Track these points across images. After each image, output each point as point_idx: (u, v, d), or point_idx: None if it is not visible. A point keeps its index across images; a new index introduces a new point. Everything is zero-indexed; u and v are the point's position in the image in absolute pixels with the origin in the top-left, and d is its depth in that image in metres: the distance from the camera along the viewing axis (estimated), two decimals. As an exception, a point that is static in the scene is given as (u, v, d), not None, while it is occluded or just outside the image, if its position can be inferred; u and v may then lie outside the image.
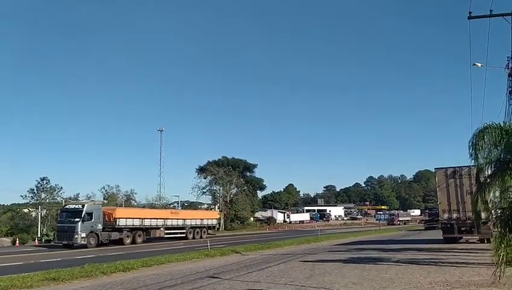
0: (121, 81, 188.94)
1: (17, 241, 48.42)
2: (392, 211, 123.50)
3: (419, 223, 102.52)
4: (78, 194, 71.85)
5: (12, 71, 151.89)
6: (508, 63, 17.30)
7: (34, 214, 64.30)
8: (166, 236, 41.00)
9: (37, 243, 48.22)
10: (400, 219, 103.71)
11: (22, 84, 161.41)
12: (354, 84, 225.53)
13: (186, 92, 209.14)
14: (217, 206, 77.75)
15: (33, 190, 64.83)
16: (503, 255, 9.23)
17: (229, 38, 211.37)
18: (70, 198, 68.99)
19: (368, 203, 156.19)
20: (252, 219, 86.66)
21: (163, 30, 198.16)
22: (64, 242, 33.45)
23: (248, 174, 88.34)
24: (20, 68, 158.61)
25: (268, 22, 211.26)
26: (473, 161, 12.75)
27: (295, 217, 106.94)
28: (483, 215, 21.30)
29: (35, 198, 64.76)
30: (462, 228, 24.81)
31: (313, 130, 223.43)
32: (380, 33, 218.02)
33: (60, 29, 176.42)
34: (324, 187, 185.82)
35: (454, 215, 24.60)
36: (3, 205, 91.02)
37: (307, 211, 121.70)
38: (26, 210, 66.82)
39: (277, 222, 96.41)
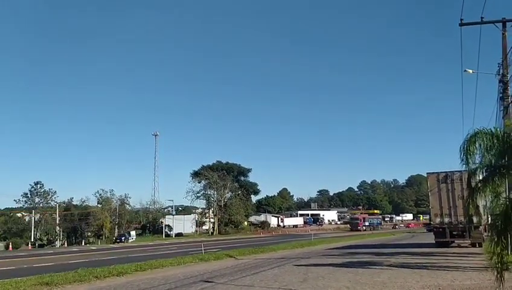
0: (116, 85, 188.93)
1: (10, 246, 48.18)
2: (356, 215, 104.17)
3: (393, 228, 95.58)
4: (72, 198, 71.93)
5: (3, 75, 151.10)
6: (499, 70, 17.48)
7: (27, 218, 64.08)
8: None
9: (30, 248, 48.02)
10: (366, 224, 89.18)
11: (15, 89, 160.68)
12: (348, 89, 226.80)
13: (181, 96, 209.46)
14: (211, 211, 77.73)
15: (27, 194, 64.70)
16: (499, 260, 9.32)
17: (225, 42, 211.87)
18: (64, 202, 68.87)
19: (360, 207, 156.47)
20: (246, 223, 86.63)
21: (158, 34, 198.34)
22: None
23: (242, 178, 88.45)
24: (12, 72, 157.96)
25: (266, 26, 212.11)
26: (465, 165, 12.89)
27: (289, 222, 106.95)
28: (474, 219, 21.69)
29: (29, 202, 64.55)
30: (454, 232, 24.95)
31: (307, 134, 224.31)
32: (374, 39, 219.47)
33: (52, 34, 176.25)
34: (318, 191, 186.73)
35: (446, 220, 24.73)
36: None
37: (301, 215, 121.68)
38: (19, 214, 66.52)
39: (271, 226, 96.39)
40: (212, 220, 77.42)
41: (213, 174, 76.53)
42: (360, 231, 77.06)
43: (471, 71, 21.44)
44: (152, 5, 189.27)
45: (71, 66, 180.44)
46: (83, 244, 57.46)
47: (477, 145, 12.40)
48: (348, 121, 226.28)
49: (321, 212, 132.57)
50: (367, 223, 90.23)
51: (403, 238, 48.94)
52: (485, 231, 23.58)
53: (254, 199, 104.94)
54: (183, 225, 76.23)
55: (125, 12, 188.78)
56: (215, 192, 77.46)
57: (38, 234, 59.25)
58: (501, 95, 17.13)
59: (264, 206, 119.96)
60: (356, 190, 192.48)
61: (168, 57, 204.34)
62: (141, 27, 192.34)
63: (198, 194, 78.21)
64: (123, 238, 62.59)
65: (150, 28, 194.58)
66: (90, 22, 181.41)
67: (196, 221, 78.84)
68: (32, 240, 56.26)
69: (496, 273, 9.01)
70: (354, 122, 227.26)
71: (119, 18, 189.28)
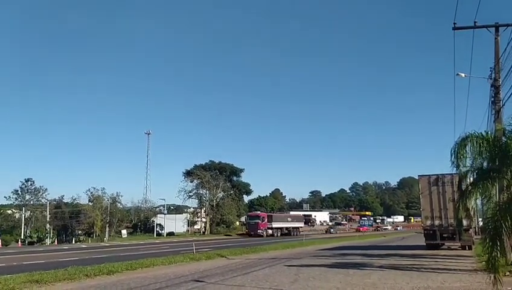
0: (108, 83, 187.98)
1: (0, 243, 47.75)
2: (256, 212, 73.52)
3: (327, 231, 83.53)
4: (63, 196, 71.37)
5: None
6: (491, 74, 17.60)
7: (17, 215, 63.54)
8: None
9: (20, 245, 47.59)
10: (273, 226, 61.24)
11: (5, 85, 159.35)
12: (341, 91, 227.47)
13: (174, 95, 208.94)
14: (203, 210, 77.57)
15: (17, 191, 64.16)
16: (493, 264, 9.40)
17: (219, 41, 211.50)
18: (54, 200, 68.41)
19: (352, 208, 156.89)
20: (237, 223, 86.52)
21: (151, 33, 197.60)
22: None
23: (235, 178, 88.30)
24: (3, 71, 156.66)
25: (263, 25, 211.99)
26: (455, 168, 13.02)
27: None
28: (464, 222, 21.89)
29: (20, 199, 63.98)
30: (444, 235, 25.14)
31: (300, 135, 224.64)
32: (368, 43, 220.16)
33: (44, 34, 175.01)
34: (310, 192, 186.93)
35: (437, 222, 24.92)
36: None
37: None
38: (9, 211, 65.89)
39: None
40: (204, 219, 77.28)
41: (205, 173, 76.36)
42: (262, 236, 53.85)
43: (463, 75, 21.60)
44: (141, 6, 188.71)
45: (62, 65, 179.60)
46: (73, 242, 57.18)
47: (468, 149, 12.53)
48: (341, 123, 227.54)
49: (313, 213, 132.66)
50: (275, 225, 62.14)
51: (393, 240, 49.18)
52: (475, 234, 23.80)
53: (246, 199, 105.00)
54: (175, 224, 76.02)
55: (117, 12, 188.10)
56: (208, 192, 77.29)
57: (28, 232, 58.82)
58: (493, 99, 17.25)
59: (256, 206, 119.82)
60: (348, 191, 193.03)
61: (160, 56, 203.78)
62: (133, 27, 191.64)
63: (190, 194, 78.02)
64: None
65: (142, 28, 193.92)
66: (81, 22, 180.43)
67: (188, 220, 78.67)
68: (22, 237, 55.84)
69: (491, 276, 9.08)
70: (347, 124, 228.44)
71: (110, 18, 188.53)
